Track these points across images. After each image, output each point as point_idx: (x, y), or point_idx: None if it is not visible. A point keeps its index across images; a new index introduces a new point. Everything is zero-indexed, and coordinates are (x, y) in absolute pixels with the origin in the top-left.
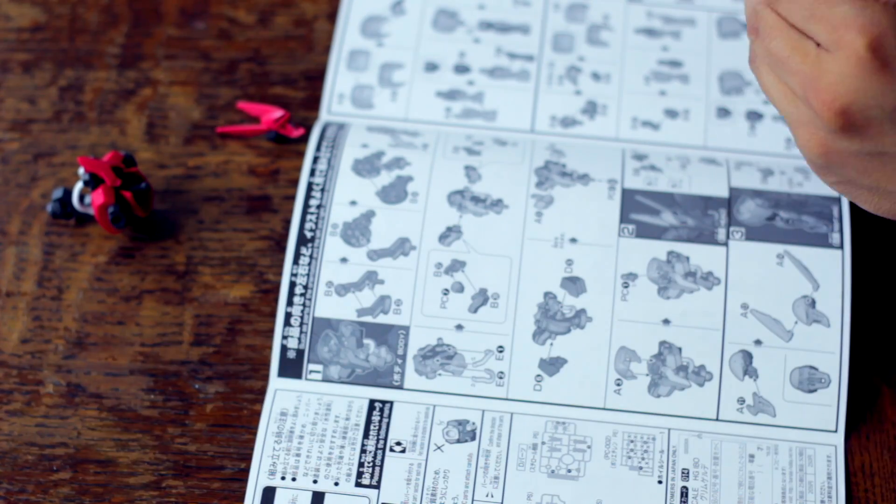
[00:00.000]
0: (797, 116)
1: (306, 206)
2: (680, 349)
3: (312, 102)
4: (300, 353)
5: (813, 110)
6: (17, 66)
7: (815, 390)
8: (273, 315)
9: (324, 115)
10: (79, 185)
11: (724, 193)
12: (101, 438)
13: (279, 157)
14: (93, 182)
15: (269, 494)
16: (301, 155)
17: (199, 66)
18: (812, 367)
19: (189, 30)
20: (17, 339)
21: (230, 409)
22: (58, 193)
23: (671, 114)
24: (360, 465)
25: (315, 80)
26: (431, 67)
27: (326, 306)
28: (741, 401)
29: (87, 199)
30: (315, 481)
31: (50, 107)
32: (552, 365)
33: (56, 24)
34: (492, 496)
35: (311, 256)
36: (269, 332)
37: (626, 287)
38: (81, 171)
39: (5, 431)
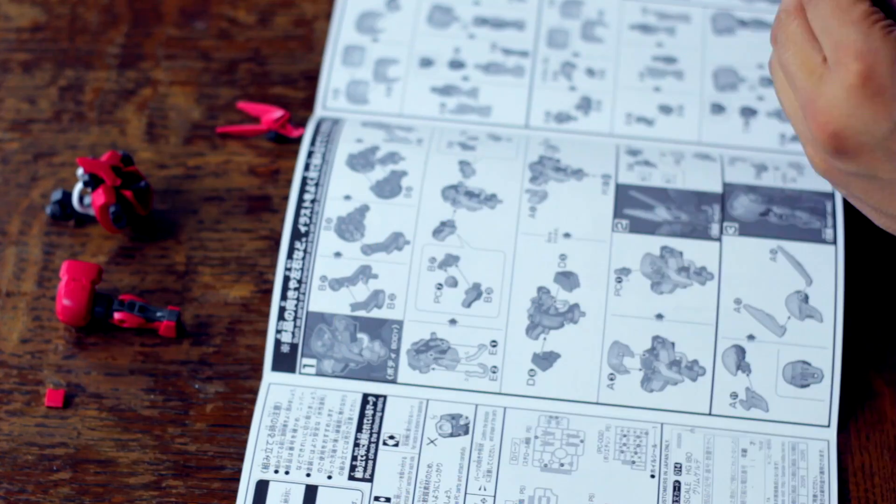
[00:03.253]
0: (803, 132)
1: (300, 200)
2: (673, 344)
3: (312, 102)
4: (294, 347)
5: (810, 130)
6: (17, 66)
7: (807, 385)
8: None
9: (319, 111)
10: (78, 186)
11: (718, 189)
12: (101, 438)
13: (279, 157)
14: (92, 182)
15: (262, 488)
16: None
17: (199, 66)
18: (805, 362)
19: (189, 30)
20: (17, 339)
21: (230, 409)
22: (57, 195)
23: (665, 110)
24: (354, 458)
25: (315, 80)
26: (426, 63)
27: (320, 301)
28: (734, 395)
29: (87, 200)
30: (308, 475)
31: (50, 107)
32: (545, 359)
33: (56, 24)
34: (484, 489)
35: (304, 251)
36: None
37: (619, 282)
38: (80, 171)
39: (5, 431)
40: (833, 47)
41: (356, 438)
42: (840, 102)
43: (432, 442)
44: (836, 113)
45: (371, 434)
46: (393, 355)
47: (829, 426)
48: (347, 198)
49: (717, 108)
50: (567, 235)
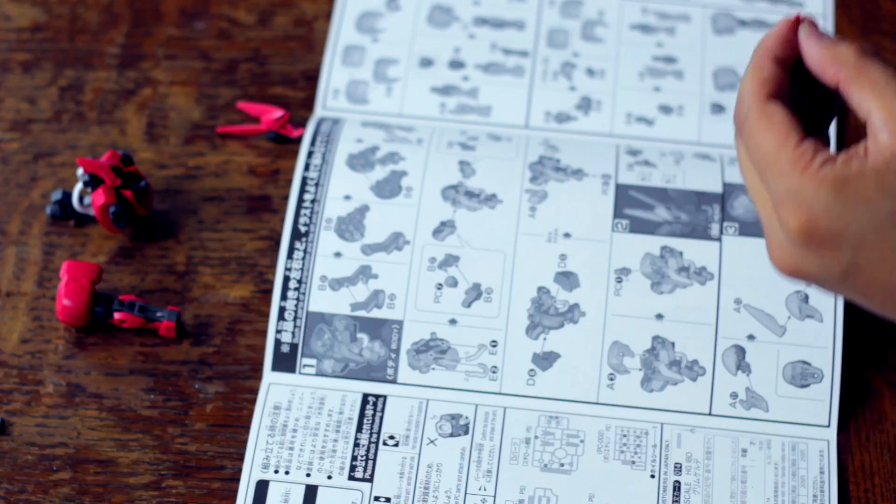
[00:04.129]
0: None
1: (300, 200)
2: (673, 344)
3: (312, 102)
4: (294, 347)
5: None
6: (17, 66)
7: (807, 385)
8: None
9: (319, 111)
10: (78, 186)
11: (718, 189)
12: (101, 438)
13: (279, 157)
14: (93, 182)
15: (262, 488)
16: None
17: (199, 66)
18: (805, 362)
19: (189, 30)
20: (17, 339)
21: (230, 409)
22: (57, 195)
23: (665, 109)
24: (354, 458)
25: (315, 80)
26: (426, 63)
27: (320, 301)
28: (734, 395)
29: (87, 200)
30: (308, 475)
31: (50, 107)
32: (545, 359)
33: (56, 24)
34: (484, 489)
35: (304, 251)
36: None
37: (619, 282)
38: (80, 171)
39: (5, 431)
40: (770, 196)
41: (356, 438)
42: (789, 249)
43: (432, 442)
44: (789, 259)
45: (371, 434)
46: (393, 355)
47: (829, 426)
48: (347, 198)
49: (717, 108)
50: (567, 235)
